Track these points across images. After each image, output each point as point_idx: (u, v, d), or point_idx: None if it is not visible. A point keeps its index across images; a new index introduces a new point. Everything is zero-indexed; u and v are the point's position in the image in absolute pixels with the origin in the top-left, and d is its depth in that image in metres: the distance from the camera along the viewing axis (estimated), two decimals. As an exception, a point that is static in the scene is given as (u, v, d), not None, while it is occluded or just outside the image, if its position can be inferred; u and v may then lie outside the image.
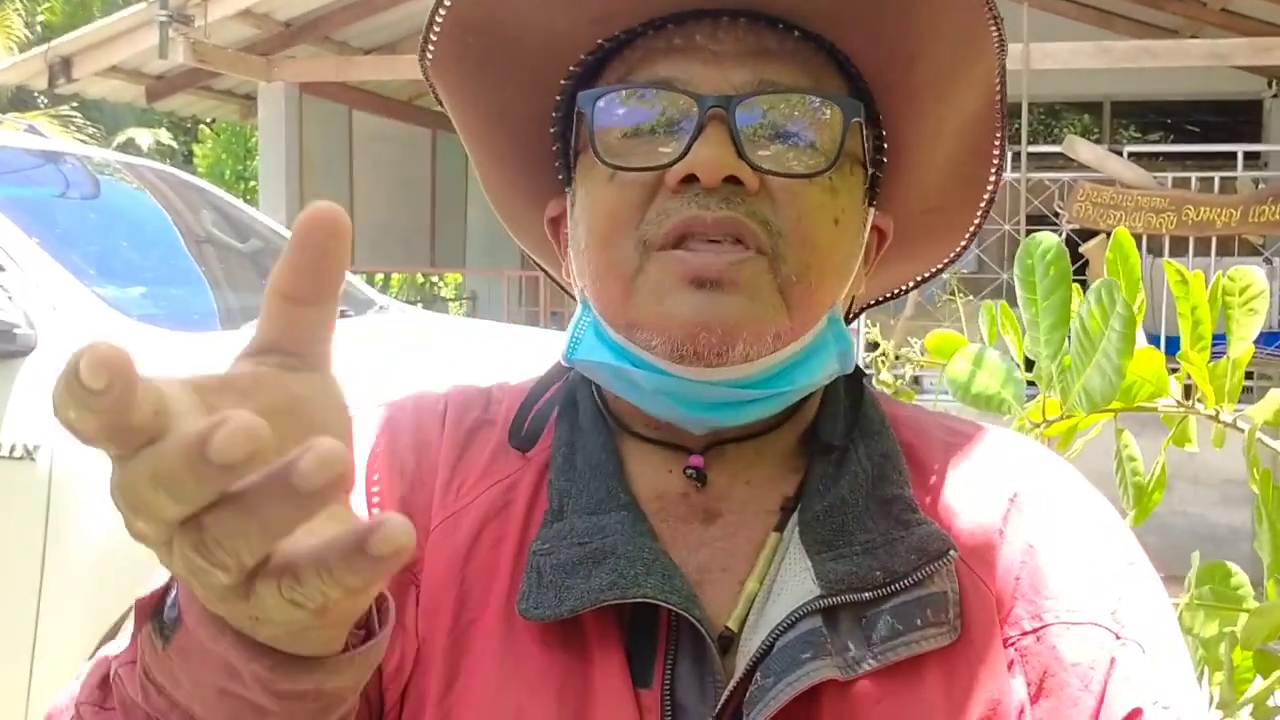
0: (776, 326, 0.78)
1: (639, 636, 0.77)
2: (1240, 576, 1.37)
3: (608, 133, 0.80)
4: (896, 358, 2.67)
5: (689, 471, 0.83)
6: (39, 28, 17.36)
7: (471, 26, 0.83)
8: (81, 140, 14.91)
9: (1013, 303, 1.47)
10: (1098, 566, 0.81)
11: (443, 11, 0.82)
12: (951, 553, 0.78)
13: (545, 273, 0.99)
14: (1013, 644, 0.78)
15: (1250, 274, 1.39)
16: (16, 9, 15.53)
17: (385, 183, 10.33)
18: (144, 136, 17.96)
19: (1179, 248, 6.50)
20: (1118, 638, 0.78)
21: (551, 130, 0.87)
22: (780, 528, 0.81)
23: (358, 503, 0.82)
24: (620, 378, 0.81)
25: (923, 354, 1.03)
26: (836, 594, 0.76)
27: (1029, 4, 7.00)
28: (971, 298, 5.98)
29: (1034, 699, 0.77)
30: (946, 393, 1.57)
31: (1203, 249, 6.51)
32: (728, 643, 0.77)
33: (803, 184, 0.78)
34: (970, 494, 0.84)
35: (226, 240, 4.20)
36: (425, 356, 3.45)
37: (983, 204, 0.91)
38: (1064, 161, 7.01)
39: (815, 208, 0.78)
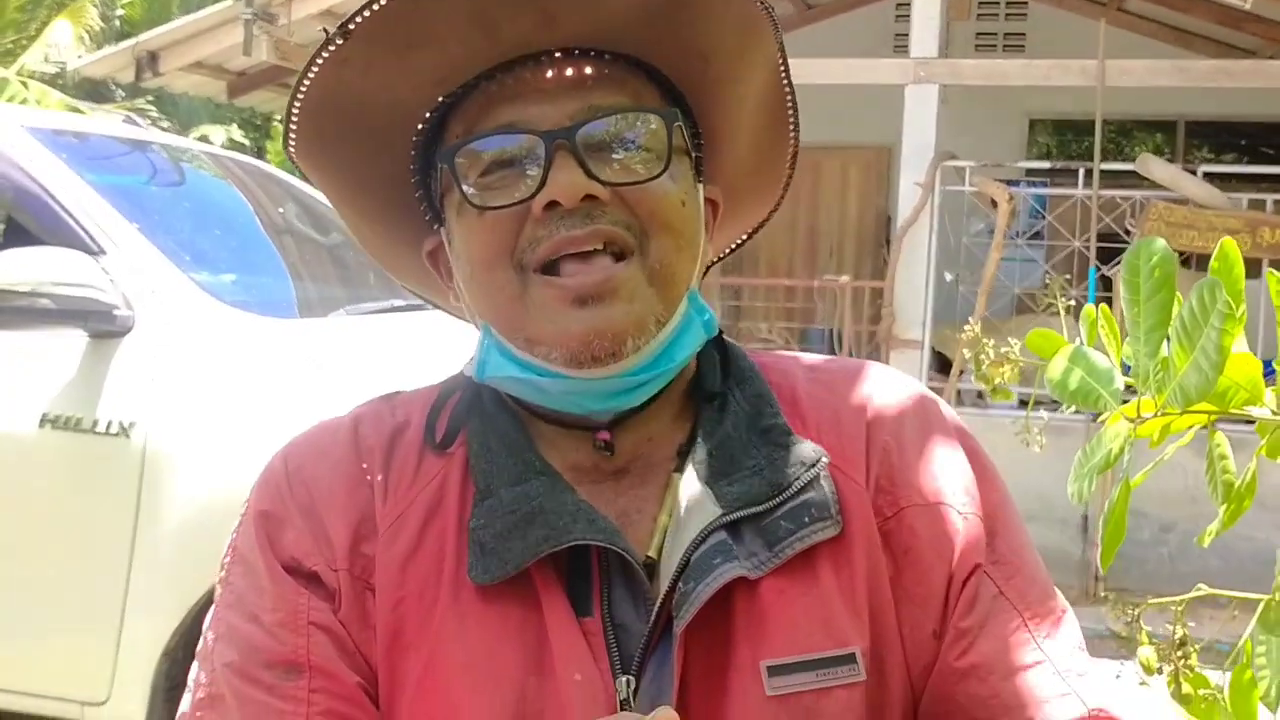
0: (655, 315, 0.91)
1: (576, 577, 0.90)
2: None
3: (471, 179, 0.91)
4: (998, 355, 2.70)
5: (599, 444, 0.95)
6: (118, 22, 17.66)
7: (325, 108, 0.94)
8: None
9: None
10: (942, 461, 0.97)
11: (298, 102, 0.93)
12: (824, 460, 0.93)
13: (431, 303, 1.10)
14: (880, 528, 0.95)
15: (1344, 283, 1.41)
16: (94, 1, 15.80)
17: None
18: (217, 133, 18.24)
19: (1252, 270, 6.39)
20: (960, 513, 0.95)
21: (413, 181, 0.99)
22: (680, 469, 0.95)
23: (312, 550, 0.94)
24: (529, 386, 0.94)
25: (1023, 353, 1.09)
26: (735, 510, 0.91)
27: (1106, 21, 6.97)
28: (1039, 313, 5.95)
29: (898, 570, 0.93)
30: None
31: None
32: (651, 569, 0.91)
33: (649, 184, 0.91)
34: (835, 414, 0.99)
35: (307, 232, 4.28)
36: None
37: (789, 159, 1.05)
38: (1136, 180, 6.96)
39: (663, 199, 0.91)
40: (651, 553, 0.92)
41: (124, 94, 16.20)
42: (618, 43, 0.94)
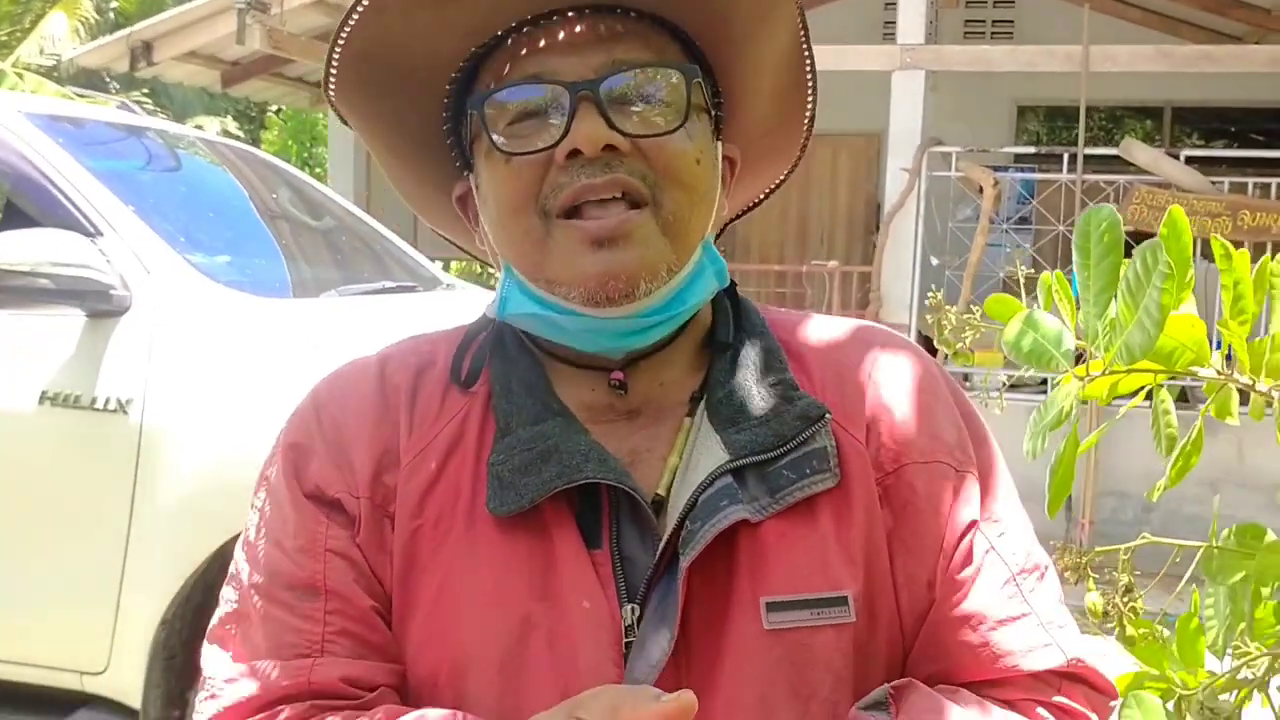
0: (667, 263, 0.97)
1: (587, 512, 0.96)
2: (1275, 538, 1.45)
3: (499, 127, 0.97)
4: (955, 324, 2.81)
5: (613, 383, 1.02)
6: (112, 14, 17.67)
7: (366, 56, 1.00)
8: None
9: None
10: (940, 420, 1.03)
11: (339, 48, 0.99)
12: (827, 416, 1.00)
13: (456, 246, 1.17)
14: (879, 483, 0.99)
15: (1299, 258, 1.48)
16: (87, -10, 15.84)
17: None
18: (211, 125, 18.24)
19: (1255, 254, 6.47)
20: (958, 471, 1.01)
21: (444, 128, 1.05)
22: (691, 414, 1.02)
23: (335, 479, 1.00)
24: (547, 323, 1.00)
25: (983, 319, 1.16)
26: (742, 457, 0.97)
27: (1090, 6, 7.03)
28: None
29: (896, 523, 0.99)
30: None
31: (1257, 255, 6.48)
32: (659, 507, 0.97)
33: (665, 138, 0.96)
34: (839, 372, 1.04)
35: (300, 217, 4.34)
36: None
37: (806, 121, 1.10)
38: (1123, 165, 7.03)
39: (679, 154, 0.97)
40: (660, 490, 0.98)
41: (118, 86, 16.22)
42: (642, 2, 0.99)
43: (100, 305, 2.99)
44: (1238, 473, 6.03)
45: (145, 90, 16.21)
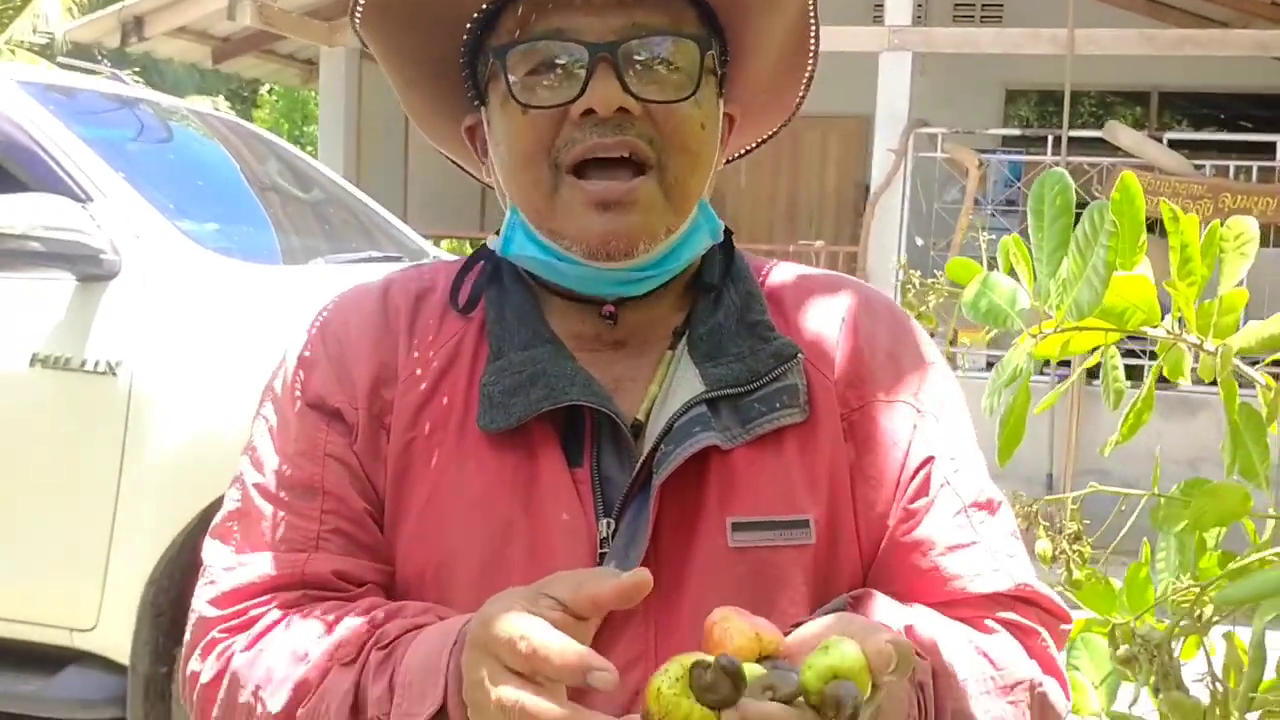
0: (666, 224, 1.04)
1: (570, 433, 1.03)
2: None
3: (518, 76, 1.03)
4: (922, 285, 2.92)
5: (605, 315, 1.09)
6: (104, -10, 17.64)
7: None
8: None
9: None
10: (906, 364, 1.10)
11: None
12: (799, 355, 1.07)
13: (465, 170, 1.23)
14: (845, 419, 1.07)
15: (1244, 223, 1.54)
16: (79, -35, 15.80)
17: (439, 150, 10.46)
18: (203, 103, 18.18)
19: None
20: (918, 411, 1.08)
21: (461, 62, 1.10)
22: (673, 348, 1.09)
23: (336, 390, 1.07)
24: (547, 267, 1.07)
25: (948, 284, 1.23)
26: (717, 389, 1.04)
27: (1078, -9, 7.07)
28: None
29: (858, 456, 1.06)
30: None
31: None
32: (638, 431, 1.05)
33: (675, 105, 1.02)
34: (815, 317, 1.11)
35: (290, 189, 4.38)
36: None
37: (806, 78, 1.17)
38: (1110, 149, 7.09)
39: (686, 120, 1.04)
40: (640, 416, 1.05)
41: (110, 64, 16.16)
42: None
43: (90, 269, 3.03)
44: (1217, 453, 6.11)
45: (136, 69, 16.18)
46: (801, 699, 0.72)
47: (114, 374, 2.95)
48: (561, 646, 0.76)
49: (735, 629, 0.77)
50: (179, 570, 2.89)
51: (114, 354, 2.97)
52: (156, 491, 2.91)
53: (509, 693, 0.77)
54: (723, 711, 0.71)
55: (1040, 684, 1.03)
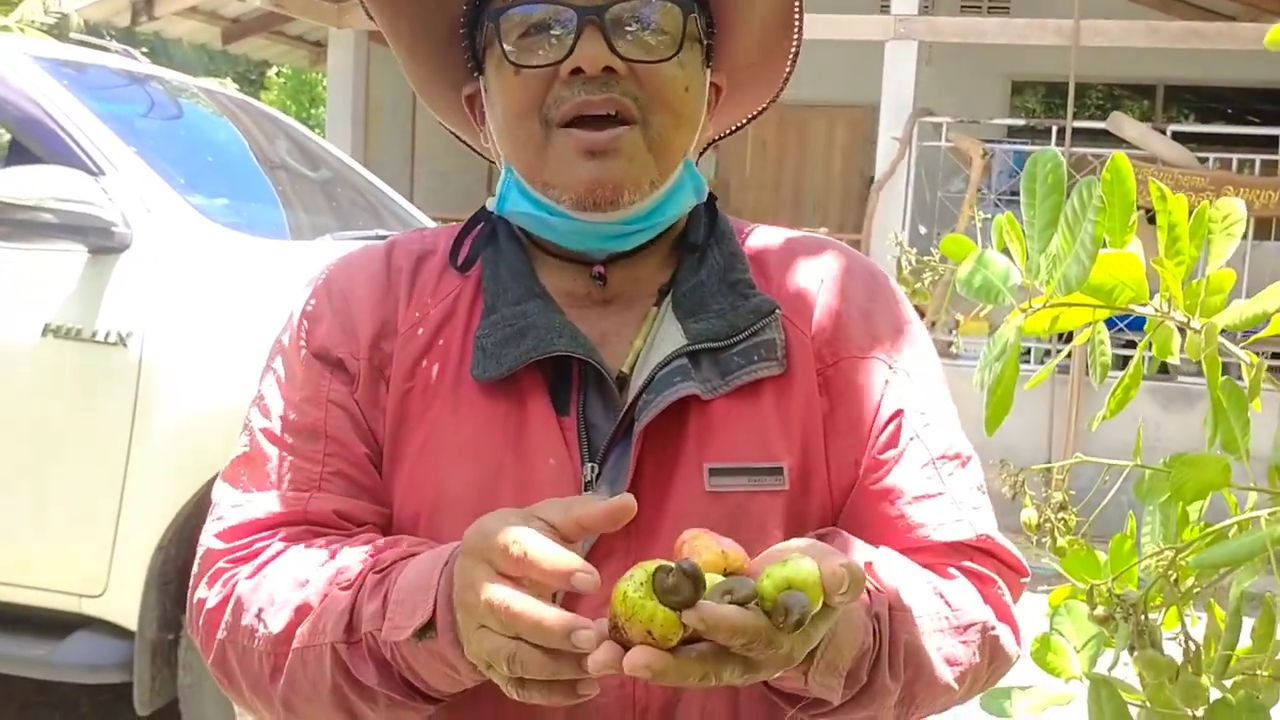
0: (650, 177, 1.09)
1: (559, 383, 1.09)
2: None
3: (511, 39, 1.09)
4: (918, 265, 2.94)
5: (595, 275, 1.15)
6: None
7: None
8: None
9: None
10: (882, 323, 1.16)
11: None
12: (777, 312, 1.13)
13: (463, 141, 1.30)
14: (820, 373, 1.12)
15: (1233, 204, 1.58)
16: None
17: (446, 132, 10.49)
18: (211, 86, 18.12)
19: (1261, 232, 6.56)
20: (890, 368, 1.14)
21: (461, 32, 1.16)
22: (658, 304, 1.15)
23: (340, 341, 1.14)
24: (539, 223, 1.13)
25: (943, 261, 1.28)
26: (699, 342, 1.10)
27: (1085, -18, 7.09)
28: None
29: (832, 408, 1.12)
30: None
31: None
32: (623, 382, 1.10)
33: (659, 65, 1.08)
34: (796, 276, 1.17)
35: (298, 167, 4.42)
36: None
37: (791, 54, 1.22)
38: (1115, 141, 7.11)
39: (669, 81, 1.09)
40: (624, 368, 1.11)
41: (119, 43, 16.18)
42: None
43: (102, 241, 3.07)
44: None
45: (145, 50, 16.18)
46: (756, 603, 0.77)
47: (125, 345, 2.99)
48: (550, 551, 0.82)
49: (703, 544, 0.82)
50: (187, 538, 2.94)
51: (125, 325, 3.01)
52: (165, 460, 2.96)
53: (498, 592, 0.82)
54: (683, 612, 0.75)
55: (993, 628, 1.09)
